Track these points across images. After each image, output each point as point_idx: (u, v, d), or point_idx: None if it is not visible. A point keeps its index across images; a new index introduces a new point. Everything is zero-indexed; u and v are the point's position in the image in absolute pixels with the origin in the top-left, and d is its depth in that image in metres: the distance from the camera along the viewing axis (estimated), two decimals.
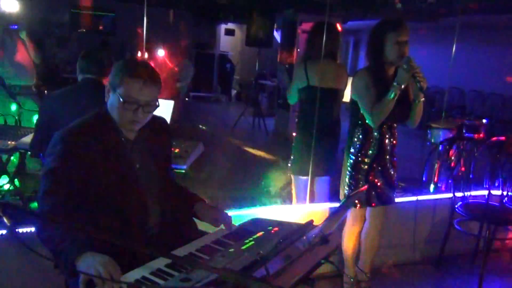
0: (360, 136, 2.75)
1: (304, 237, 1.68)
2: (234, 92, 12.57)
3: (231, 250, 1.75)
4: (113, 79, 1.79)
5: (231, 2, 8.62)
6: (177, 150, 3.31)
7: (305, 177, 3.41)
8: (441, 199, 3.69)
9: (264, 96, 10.66)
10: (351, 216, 2.87)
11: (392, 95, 2.54)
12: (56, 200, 1.69)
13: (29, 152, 3.19)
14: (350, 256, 2.97)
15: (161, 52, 10.85)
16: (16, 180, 3.63)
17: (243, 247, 1.77)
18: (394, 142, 2.80)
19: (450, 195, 3.48)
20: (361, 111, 2.69)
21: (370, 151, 2.73)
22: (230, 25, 12.52)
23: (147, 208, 1.89)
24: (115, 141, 1.83)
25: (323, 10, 7.41)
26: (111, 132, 1.83)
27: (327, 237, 1.75)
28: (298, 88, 3.38)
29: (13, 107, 4.29)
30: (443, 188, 4.05)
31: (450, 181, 3.69)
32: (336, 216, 1.59)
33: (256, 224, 2.10)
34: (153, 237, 1.91)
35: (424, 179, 4.18)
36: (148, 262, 1.57)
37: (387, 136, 2.75)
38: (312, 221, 1.55)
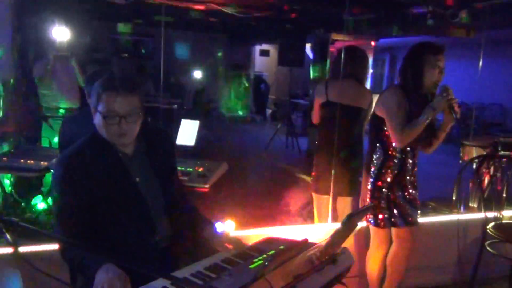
0: (381, 155, 2.71)
1: (310, 256, 1.66)
2: (269, 111, 12.64)
3: (238, 268, 1.76)
4: (93, 99, 1.81)
5: (264, 23, 8.75)
6: (200, 169, 3.36)
7: (326, 196, 3.38)
8: (472, 219, 3.55)
9: (299, 115, 10.66)
10: (375, 238, 2.81)
11: (426, 119, 2.51)
12: (66, 224, 1.75)
13: None
14: (374, 279, 2.89)
15: (197, 74, 11.11)
16: (49, 199, 3.78)
17: (251, 266, 1.77)
18: (415, 164, 2.75)
19: (481, 215, 3.34)
20: (385, 129, 2.66)
21: (391, 170, 2.68)
22: (265, 46, 12.67)
23: (153, 220, 1.90)
24: (111, 158, 1.85)
25: (354, 29, 7.46)
26: (108, 150, 1.85)
27: (335, 257, 1.73)
28: (319, 105, 3.38)
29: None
30: (474, 208, 3.89)
31: (481, 200, 3.55)
32: (338, 235, 1.56)
33: (269, 243, 2.10)
34: (163, 251, 1.93)
35: (454, 198, 4.03)
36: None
37: (409, 155, 2.70)
38: (306, 239, 1.53)
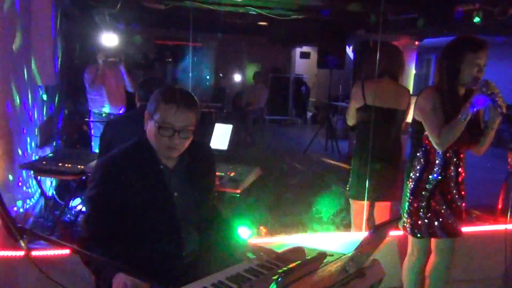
0: (422, 160, 2.57)
1: (337, 267, 1.58)
2: (309, 114, 12.51)
3: (261, 279, 1.70)
4: (150, 107, 1.81)
5: (305, 25, 8.66)
6: (232, 174, 3.34)
7: (363, 202, 3.27)
8: None
9: (339, 118, 10.47)
10: (412, 248, 2.68)
11: (464, 118, 2.35)
12: (95, 227, 1.76)
13: None
14: None
15: (237, 77, 11.16)
16: None
17: (275, 277, 1.71)
18: (461, 169, 2.57)
19: None
20: (425, 133, 2.52)
21: (432, 177, 2.54)
22: (305, 48, 12.55)
23: (181, 238, 1.88)
24: (153, 169, 1.84)
25: (394, 29, 7.24)
26: (150, 160, 1.84)
27: (363, 270, 1.64)
28: (355, 108, 3.27)
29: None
30: None
31: None
32: (364, 248, 1.47)
33: (297, 252, 2.03)
34: (189, 265, 1.89)
35: (500, 206, 3.79)
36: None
37: (452, 161, 2.54)
38: (324, 254, 1.45)
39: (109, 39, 4.87)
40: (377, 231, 1.43)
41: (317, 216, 3.78)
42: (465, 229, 3.28)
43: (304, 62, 12.90)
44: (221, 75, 11.05)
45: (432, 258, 2.68)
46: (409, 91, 3.33)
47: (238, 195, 3.08)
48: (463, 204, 2.61)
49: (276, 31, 10.24)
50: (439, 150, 2.49)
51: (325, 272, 1.58)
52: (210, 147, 2.20)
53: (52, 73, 3.91)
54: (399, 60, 3.25)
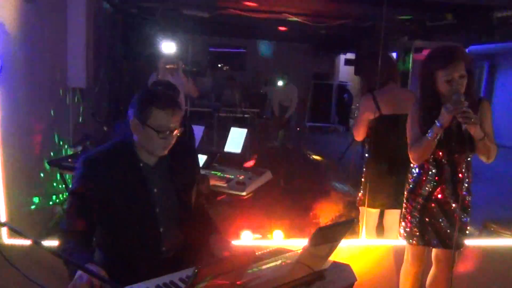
0: (416, 170, 2.53)
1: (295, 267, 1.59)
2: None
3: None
4: (140, 113, 1.87)
5: (348, 32, 8.60)
6: (241, 177, 3.41)
7: (374, 210, 3.24)
8: None
9: None
10: (408, 254, 2.63)
11: (431, 135, 2.31)
12: (73, 220, 1.86)
13: None
14: None
15: (280, 84, 11.24)
16: None
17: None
18: (460, 178, 2.48)
19: None
20: None
21: (426, 187, 2.49)
22: (350, 55, 12.40)
23: (161, 233, 1.96)
24: (133, 166, 1.94)
25: (438, 36, 7.03)
26: (130, 158, 1.94)
27: (321, 272, 1.65)
28: (369, 120, 3.23)
29: None
30: None
31: None
32: (309, 251, 1.47)
33: (276, 254, 2.06)
34: (166, 261, 1.96)
35: None
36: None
37: (448, 170, 2.47)
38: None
39: (168, 46, 5.04)
40: (320, 234, 1.43)
41: (314, 221, 3.75)
42: (482, 242, 3.19)
43: (348, 69, 12.74)
44: (264, 80, 11.16)
45: (432, 269, 2.62)
46: (413, 93, 3.26)
47: (244, 198, 3.14)
48: (466, 215, 2.52)
49: (321, 38, 10.22)
50: (414, 163, 2.49)
51: (275, 272, 1.60)
52: (191, 144, 2.27)
53: (83, 76, 4.15)
54: (394, 64, 3.23)
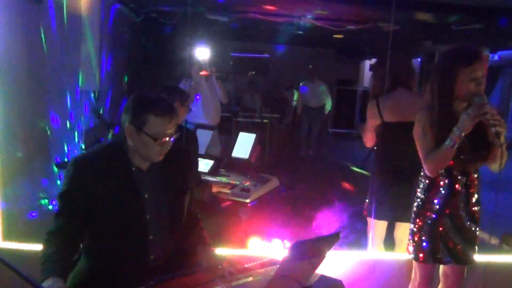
0: (426, 180, 2.37)
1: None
2: None
3: None
4: (136, 120, 1.81)
5: (373, 37, 8.42)
6: (247, 183, 3.32)
7: (383, 222, 3.08)
8: None
9: None
10: (416, 273, 2.47)
11: (450, 144, 2.15)
12: (62, 222, 1.81)
13: None
14: None
15: (303, 89, 11.11)
16: None
17: None
18: (472, 190, 2.33)
19: None
20: None
21: (437, 198, 2.33)
22: (375, 61, 12.18)
23: (149, 240, 1.89)
24: (124, 170, 1.87)
25: (464, 40, 6.79)
26: (121, 162, 1.88)
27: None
28: (374, 127, 3.09)
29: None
30: None
31: None
32: (287, 266, 1.36)
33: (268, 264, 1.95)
34: (154, 269, 1.89)
35: None
36: None
37: (461, 182, 2.31)
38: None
39: (202, 52, 4.98)
40: (298, 248, 1.32)
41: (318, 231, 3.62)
42: (496, 258, 3.00)
43: None
44: (285, 85, 11.06)
45: (440, 286, 2.46)
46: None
47: (247, 205, 3.05)
48: (476, 228, 2.36)
49: (345, 43, 10.07)
50: (429, 175, 2.30)
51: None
52: (188, 150, 2.20)
53: (93, 79, 4.15)
54: (410, 67, 3.04)
